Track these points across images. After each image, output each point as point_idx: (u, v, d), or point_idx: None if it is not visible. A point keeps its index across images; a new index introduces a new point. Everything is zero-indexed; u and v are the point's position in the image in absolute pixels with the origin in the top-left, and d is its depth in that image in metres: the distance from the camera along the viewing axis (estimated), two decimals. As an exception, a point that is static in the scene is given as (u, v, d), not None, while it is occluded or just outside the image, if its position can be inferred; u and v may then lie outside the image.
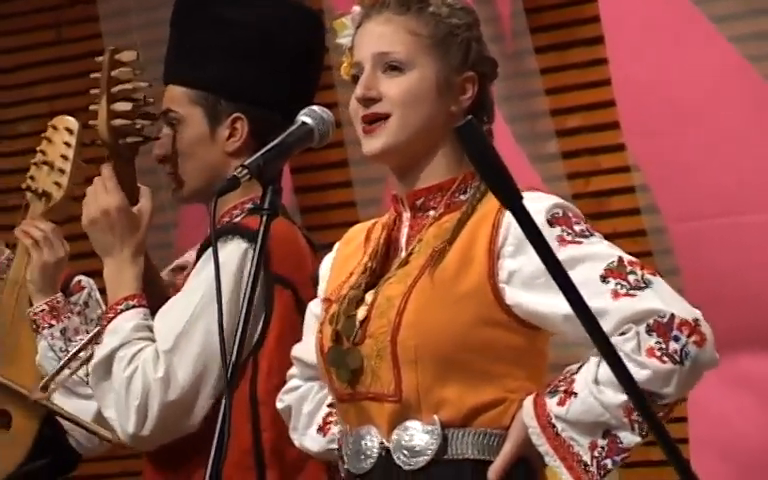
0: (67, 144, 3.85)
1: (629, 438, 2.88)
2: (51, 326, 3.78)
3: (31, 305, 3.88)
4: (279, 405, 3.42)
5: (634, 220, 6.47)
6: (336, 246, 3.40)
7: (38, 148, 3.88)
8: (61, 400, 3.82)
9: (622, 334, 2.89)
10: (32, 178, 3.87)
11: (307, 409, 3.37)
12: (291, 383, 3.40)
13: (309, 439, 3.36)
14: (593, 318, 2.16)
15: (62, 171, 3.84)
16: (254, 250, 2.91)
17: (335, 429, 3.29)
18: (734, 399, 7.34)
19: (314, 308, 3.36)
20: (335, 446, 3.27)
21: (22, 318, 3.86)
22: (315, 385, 3.36)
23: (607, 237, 3.05)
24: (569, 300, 2.16)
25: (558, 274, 2.20)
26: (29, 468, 3.92)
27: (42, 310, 3.79)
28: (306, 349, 3.35)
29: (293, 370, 3.43)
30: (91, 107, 3.72)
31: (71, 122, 3.85)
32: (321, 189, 6.76)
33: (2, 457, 3.91)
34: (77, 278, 4.01)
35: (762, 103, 6.03)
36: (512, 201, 2.25)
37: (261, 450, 3.54)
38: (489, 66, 3.23)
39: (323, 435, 3.34)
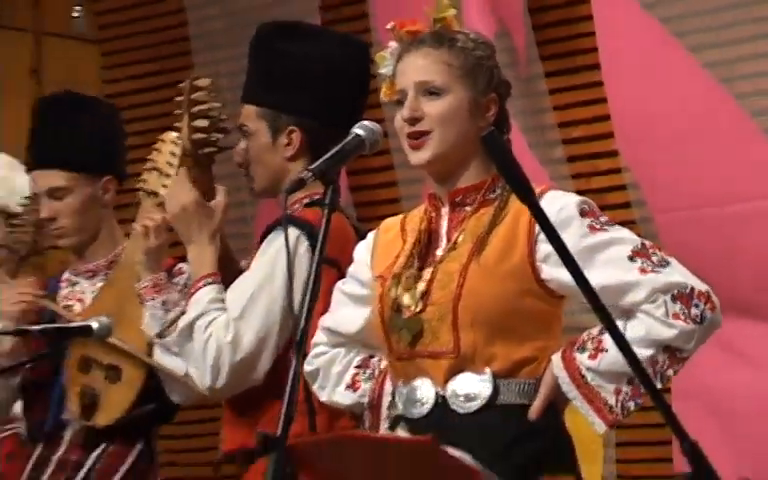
0: (172, 153, 3.83)
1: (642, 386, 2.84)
2: (154, 298, 3.75)
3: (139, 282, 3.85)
4: (307, 368, 3.43)
5: (626, 212, 6.45)
6: (371, 235, 3.44)
7: (148, 157, 3.88)
8: (161, 358, 3.82)
9: (653, 302, 2.98)
10: (144, 180, 3.87)
11: (336, 370, 3.41)
12: (318, 349, 3.42)
13: (338, 395, 3.40)
14: (595, 294, 2.22)
15: (168, 175, 3.83)
16: (307, 236, 3.34)
17: (365, 386, 3.35)
18: (720, 359, 7.29)
19: (344, 287, 3.40)
20: (365, 399, 3.33)
21: (132, 292, 3.83)
22: (342, 350, 3.42)
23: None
24: (573, 275, 2.25)
25: (565, 256, 2.29)
26: (137, 412, 3.92)
27: (147, 285, 3.78)
28: (336, 320, 3.43)
29: (319, 338, 3.44)
30: (175, 124, 3.81)
31: (174, 136, 3.84)
32: (371, 188, 6.76)
33: (115, 403, 3.91)
34: (179, 265, 3.99)
35: (728, 112, 6.16)
36: (526, 195, 2.37)
37: (311, 400, 3.49)
38: (506, 88, 3.31)
39: (353, 391, 3.38)
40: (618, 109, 7.54)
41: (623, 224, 6.61)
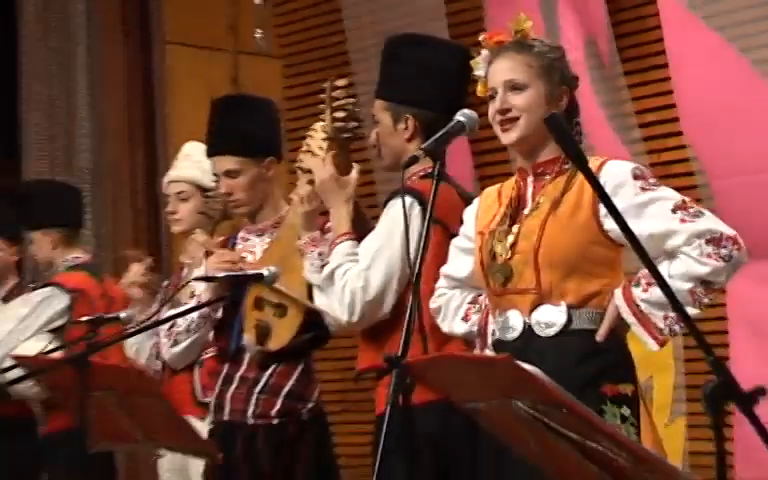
0: (320, 139, 3.85)
1: (691, 310, 2.99)
2: (312, 251, 3.79)
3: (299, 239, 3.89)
4: (432, 306, 3.50)
5: (689, 179, 6.42)
6: (476, 201, 3.50)
7: (304, 142, 3.89)
8: (317, 298, 3.83)
9: (690, 245, 3.05)
10: (300, 160, 3.89)
11: (453, 306, 3.47)
12: (439, 291, 3.49)
13: (456, 325, 3.47)
14: (638, 242, 2.28)
15: (317, 156, 3.84)
16: (418, 202, 3.38)
17: (474, 317, 3.41)
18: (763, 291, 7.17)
19: (457, 242, 3.47)
20: (475, 328, 3.39)
21: (293, 247, 3.88)
22: (457, 291, 3.48)
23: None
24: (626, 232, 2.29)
25: (614, 212, 2.30)
26: (299, 340, 3.98)
27: (306, 241, 3.82)
28: (452, 268, 3.50)
29: (440, 283, 3.50)
30: (321, 116, 3.84)
31: (321, 126, 3.86)
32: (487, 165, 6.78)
33: (282, 333, 3.97)
34: (328, 224, 3.94)
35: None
36: (579, 162, 2.45)
37: (424, 328, 3.45)
38: (574, 81, 3.36)
39: (466, 322, 3.44)
40: (682, 98, 7.51)
41: (686, 189, 6.56)
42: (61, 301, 5.32)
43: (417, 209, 3.53)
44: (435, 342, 3.53)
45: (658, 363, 5.53)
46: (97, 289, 5.46)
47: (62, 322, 5.24)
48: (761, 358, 7.53)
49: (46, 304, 5.35)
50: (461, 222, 3.52)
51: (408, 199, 3.47)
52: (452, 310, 3.48)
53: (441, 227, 3.57)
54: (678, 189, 3.32)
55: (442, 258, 3.54)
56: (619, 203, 2.92)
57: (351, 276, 3.63)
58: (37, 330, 5.16)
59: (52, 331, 5.20)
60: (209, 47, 10.53)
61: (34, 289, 5.68)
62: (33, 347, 4.94)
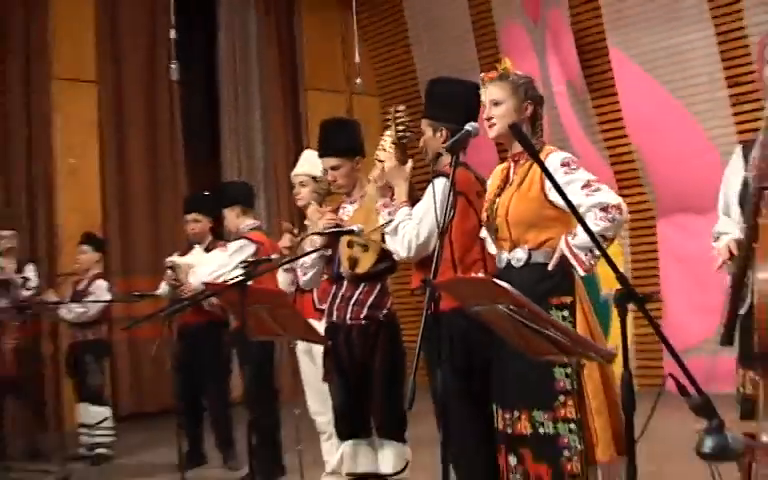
0: (389, 142, 3.82)
1: (597, 252, 2.89)
2: (384, 212, 3.75)
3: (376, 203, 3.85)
4: (482, 234, 3.43)
5: (632, 164, 6.68)
6: (491, 177, 3.38)
7: (378, 145, 3.85)
8: (387, 241, 3.81)
9: (589, 211, 2.98)
10: (377, 155, 3.83)
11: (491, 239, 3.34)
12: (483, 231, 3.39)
13: (492, 250, 3.37)
14: (574, 207, 2.37)
15: (386, 151, 3.80)
16: (446, 180, 3.17)
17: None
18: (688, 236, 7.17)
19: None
20: None
21: (373, 210, 3.87)
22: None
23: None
24: (564, 199, 2.31)
25: (557, 187, 2.36)
26: (377, 268, 3.98)
27: (381, 204, 3.78)
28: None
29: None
30: (387, 126, 3.84)
31: (389, 134, 3.82)
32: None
33: (366, 263, 3.97)
34: (394, 196, 3.88)
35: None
36: (531, 154, 2.58)
37: (454, 259, 3.48)
38: (538, 98, 3.23)
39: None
40: (626, 112, 7.72)
41: (630, 171, 6.53)
42: (250, 248, 5.51)
43: (447, 185, 3.45)
44: (462, 269, 3.50)
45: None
46: (267, 243, 5.62)
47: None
48: (682, 277, 7.61)
49: (241, 250, 5.54)
50: (476, 195, 3.51)
51: (441, 179, 3.47)
52: (489, 241, 3.39)
53: (463, 197, 3.52)
54: (625, 172, 3.30)
55: (465, 217, 3.51)
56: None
57: (408, 228, 3.59)
58: (234, 267, 5.22)
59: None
60: (333, 90, 10.68)
61: (230, 243, 5.87)
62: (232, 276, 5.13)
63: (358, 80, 7.82)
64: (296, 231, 4.90)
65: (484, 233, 3.41)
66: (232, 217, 5.91)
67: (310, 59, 10.70)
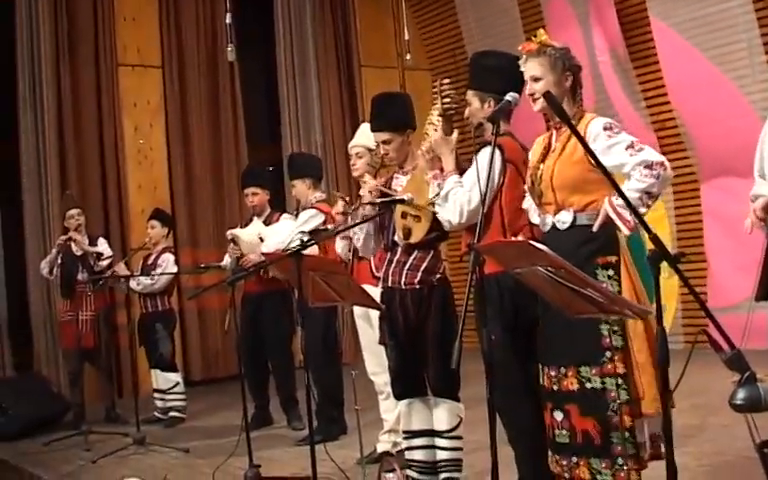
0: (436, 115, 3.83)
1: (642, 209, 2.89)
2: (434, 183, 3.76)
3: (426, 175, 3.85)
4: (524, 205, 3.44)
5: (675, 130, 6.52)
6: (534, 146, 3.36)
7: (427, 119, 3.88)
8: (438, 210, 3.81)
9: (634, 170, 2.97)
10: (426, 129, 3.85)
11: (534, 207, 3.37)
12: (527, 199, 3.40)
13: (535, 219, 3.37)
14: (606, 170, 2.45)
15: (433, 125, 3.82)
16: (492, 150, 3.13)
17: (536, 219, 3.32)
18: (731, 199, 7.08)
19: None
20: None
21: (423, 181, 3.88)
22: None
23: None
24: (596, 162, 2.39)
25: (590, 152, 2.47)
26: (429, 236, 3.98)
27: (430, 176, 3.78)
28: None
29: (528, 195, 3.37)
30: (434, 100, 3.83)
31: (436, 107, 3.82)
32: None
33: (418, 232, 3.98)
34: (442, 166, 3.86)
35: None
36: (566, 122, 2.62)
37: (504, 223, 3.50)
38: (576, 68, 3.18)
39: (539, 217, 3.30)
40: (669, 80, 7.66)
41: (672, 136, 6.45)
42: (320, 218, 5.64)
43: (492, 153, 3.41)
44: (511, 233, 3.51)
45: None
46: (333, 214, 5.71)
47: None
48: (724, 238, 7.53)
49: (311, 219, 5.68)
50: (523, 163, 3.48)
51: (488, 149, 3.40)
52: (532, 209, 3.37)
53: (511, 165, 3.53)
54: (668, 137, 3.28)
55: (514, 186, 3.50)
56: (597, 146, 2.96)
57: (459, 195, 3.58)
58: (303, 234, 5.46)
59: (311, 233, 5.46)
60: (386, 66, 10.71)
61: (298, 214, 5.97)
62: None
63: (408, 56, 7.86)
64: (348, 198, 4.97)
65: (527, 203, 3.41)
66: (303, 189, 5.98)
67: (363, 37, 10.76)
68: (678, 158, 8.03)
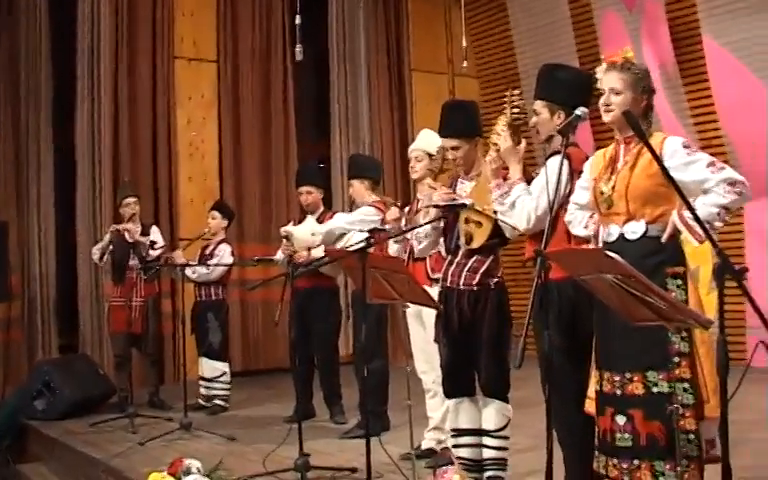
0: (502, 124, 3.90)
1: (717, 224, 3.03)
2: (497, 191, 3.88)
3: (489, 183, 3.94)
4: (567, 218, 3.53)
5: (721, 149, 7.09)
6: (591, 159, 3.49)
7: (493, 128, 3.94)
8: (501, 217, 3.93)
9: (717, 186, 3.06)
10: (491, 138, 3.94)
11: (579, 219, 3.50)
12: (570, 209, 3.53)
13: (579, 230, 3.49)
14: (677, 185, 2.57)
15: (499, 135, 3.89)
16: (562, 159, 3.24)
17: (591, 227, 3.43)
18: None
19: (579, 183, 3.52)
20: (591, 233, 3.41)
21: (486, 188, 3.97)
22: (582, 211, 3.50)
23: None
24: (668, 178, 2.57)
25: (664, 169, 2.62)
26: (489, 242, 4.05)
27: (494, 184, 3.88)
28: (577, 197, 3.55)
29: (571, 206, 3.54)
30: (502, 111, 3.91)
31: (503, 116, 3.90)
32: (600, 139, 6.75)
33: (479, 237, 4.07)
34: (508, 174, 3.97)
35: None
36: (642, 139, 2.79)
37: (568, 230, 3.61)
38: (651, 92, 3.26)
39: (586, 229, 3.45)
40: (719, 99, 7.58)
41: (718, 155, 6.51)
42: (378, 216, 5.68)
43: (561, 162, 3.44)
44: (576, 241, 3.57)
45: (703, 257, 5.54)
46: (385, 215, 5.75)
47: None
48: (766, 255, 7.61)
49: (371, 218, 5.73)
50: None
51: (557, 158, 3.47)
52: (577, 221, 3.49)
53: (578, 174, 3.59)
54: (714, 156, 3.37)
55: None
56: (675, 161, 3.05)
57: (527, 202, 3.67)
58: (361, 230, 5.56)
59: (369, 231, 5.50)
60: (436, 72, 10.86)
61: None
62: (357, 238, 5.36)
63: (465, 63, 7.94)
64: (399, 204, 5.05)
65: (569, 216, 3.52)
66: (361, 189, 6.04)
67: (415, 41, 10.91)
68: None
